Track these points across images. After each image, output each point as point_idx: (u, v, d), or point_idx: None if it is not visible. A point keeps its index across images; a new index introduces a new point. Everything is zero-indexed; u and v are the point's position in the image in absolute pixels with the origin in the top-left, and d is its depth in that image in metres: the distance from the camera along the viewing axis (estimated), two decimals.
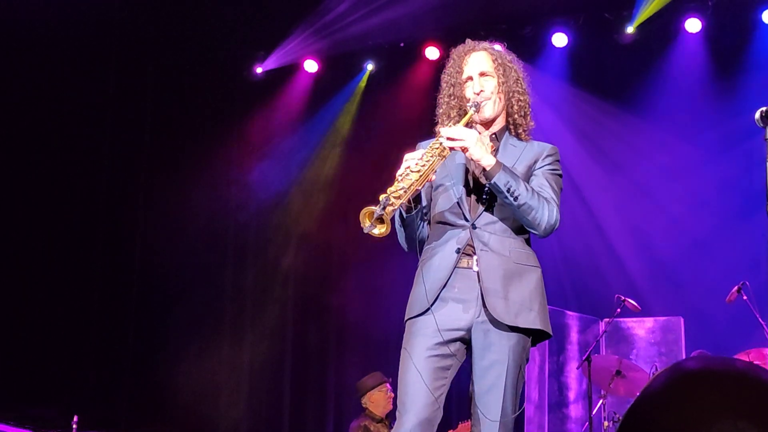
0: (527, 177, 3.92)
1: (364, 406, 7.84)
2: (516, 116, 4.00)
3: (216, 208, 10.33)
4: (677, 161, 9.39)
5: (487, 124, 4.01)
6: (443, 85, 4.08)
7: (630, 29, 9.39)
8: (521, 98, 4.01)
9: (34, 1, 9.03)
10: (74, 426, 7.31)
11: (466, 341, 3.86)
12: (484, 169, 3.74)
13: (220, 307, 10.30)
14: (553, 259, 9.47)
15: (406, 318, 3.93)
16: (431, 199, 4.02)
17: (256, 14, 10.02)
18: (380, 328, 9.62)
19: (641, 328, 8.94)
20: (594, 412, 7.62)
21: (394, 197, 3.51)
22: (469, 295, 3.82)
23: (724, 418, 1.67)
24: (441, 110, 4.06)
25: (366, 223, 3.50)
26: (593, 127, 9.73)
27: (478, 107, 3.90)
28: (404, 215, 3.83)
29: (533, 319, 3.83)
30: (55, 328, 9.41)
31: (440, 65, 4.20)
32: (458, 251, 3.83)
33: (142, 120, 10.47)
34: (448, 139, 3.70)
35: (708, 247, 9.09)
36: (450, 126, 3.84)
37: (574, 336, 9.01)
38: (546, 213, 3.80)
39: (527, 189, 3.76)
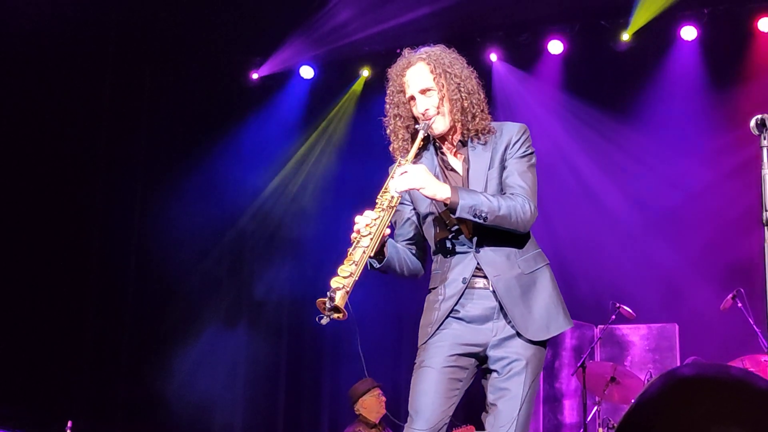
0: (503, 166, 3.87)
1: (357, 412, 7.83)
2: (469, 118, 3.89)
3: (211, 212, 10.33)
4: (672, 168, 9.40)
5: (445, 135, 3.93)
6: (387, 106, 4.01)
7: (625, 36, 9.41)
8: (468, 100, 3.89)
9: (31, 6, 9.02)
10: (68, 431, 7.30)
11: (480, 358, 3.86)
12: (444, 204, 3.71)
13: (215, 313, 10.29)
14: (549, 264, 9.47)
15: (419, 343, 3.92)
16: (421, 228, 4.00)
17: (253, 20, 10.02)
18: (376, 334, 9.62)
19: (636, 334, 8.94)
20: (588, 419, 7.63)
21: (344, 277, 3.53)
22: (484, 313, 3.82)
23: (718, 424, 1.67)
24: (389, 130, 3.99)
25: (324, 312, 3.53)
26: (588, 133, 9.74)
27: (428, 127, 3.84)
28: (376, 267, 3.84)
29: (562, 322, 3.90)
30: (49, 333, 9.39)
31: None
32: (464, 281, 3.82)
33: (139, 125, 10.48)
34: (398, 192, 3.69)
35: (703, 254, 9.10)
36: (401, 163, 3.78)
37: (568, 342, 9.01)
38: (519, 213, 3.74)
39: (491, 201, 3.70)
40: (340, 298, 3.49)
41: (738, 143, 8.59)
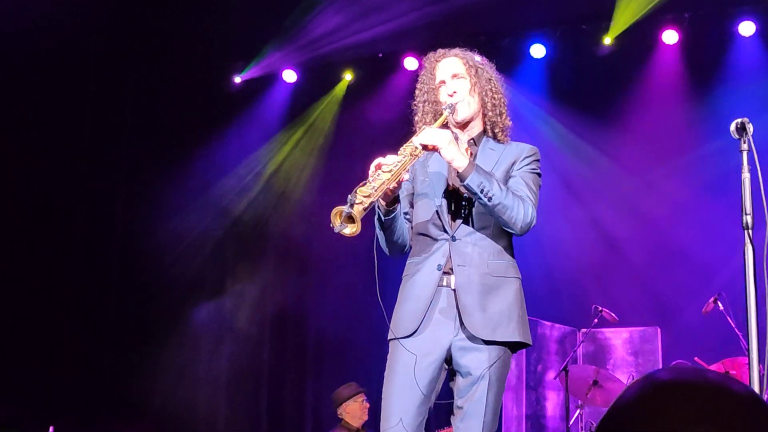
0: (506, 179, 3.91)
1: (340, 416, 7.83)
2: (491, 114, 4.01)
3: (194, 215, 10.31)
4: (654, 171, 9.44)
5: (464, 126, 4.01)
6: (417, 92, 4.11)
7: (607, 41, 9.45)
8: (495, 96, 4.02)
9: (13, 10, 8.99)
10: None
11: (448, 360, 3.87)
12: (457, 171, 3.74)
13: (198, 316, 10.28)
14: (531, 269, 9.48)
15: (391, 337, 3.93)
16: (413, 207, 4.03)
17: (236, 25, 10.02)
18: (358, 337, 9.62)
19: (618, 338, 8.96)
20: (571, 423, 7.64)
21: (363, 196, 3.51)
22: (449, 315, 3.83)
23: (695, 428, 1.68)
24: (417, 117, 4.07)
25: (336, 223, 3.50)
26: (571, 137, 9.77)
27: (453, 109, 3.91)
28: (382, 218, 3.82)
29: (512, 332, 3.84)
30: (30, 336, 9.34)
31: (419, 75, 4.21)
32: (439, 267, 3.84)
33: (121, 129, 10.46)
34: (421, 144, 3.71)
35: (685, 257, 9.13)
36: (424, 128, 3.84)
37: (551, 346, 9.02)
38: (521, 212, 3.78)
39: (501, 188, 3.74)
40: (357, 211, 3.47)
41: (719, 146, 8.62)
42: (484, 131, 4.04)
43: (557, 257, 9.56)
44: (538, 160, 4.03)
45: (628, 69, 9.59)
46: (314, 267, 10.26)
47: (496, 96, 4.03)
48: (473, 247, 3.85)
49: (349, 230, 3.50)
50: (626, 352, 8.91)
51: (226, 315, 10.34)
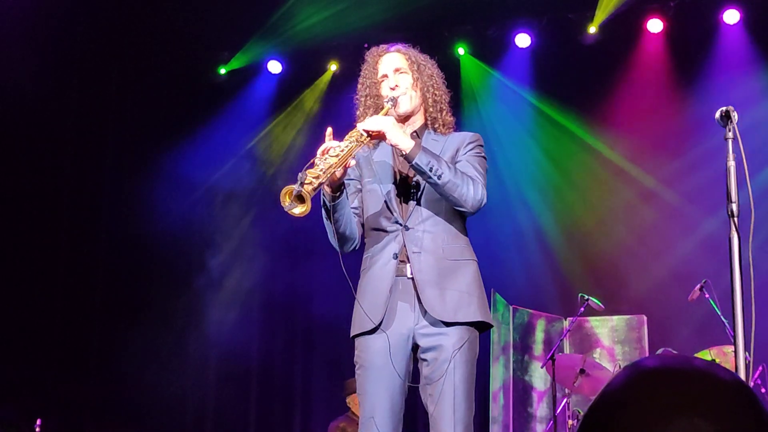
0: (453, 162, 3.92)
1: (348, 405, 7.86)
2: (432, 110, 4.04)
3: (180, 209, 10.28)
4: (639, 159, 9.46)
5: (406, 120, 4.02)
6: (359, 86, 4.14)
7: (592, 29, 9.45)
8: (436, 93, 4.05)
9: None
10: (37, 429, 7.26)
11: (414, 349, 3.88)
12: (403, 154, 3.75)
13: (185, 310, 10.26)
14: (517, 258, 9.52)
15: (353, 334, 3.96)
16: (362, 203, 4.04)
17: (220, 15, 9.99)
18: (347, 329, 9.62)
19: (605, 326, 8.99)
20: (558, 411, 7.66)
21: (312, 177, 3.51)
22: (409, 302, 3.84)
23: (681, 415, 1.68)
24: (359, 111, 4.09)
25: (286, 202, 3.50)
26: (555, 127, 9.78)
27: (394, 102, 3.93)
28: (328, 204, 3.79)
29: (474, 312, 3.84)
30: (16, 329, 9.30)
31: None
32: (395, 256, 3.85)
33: (106, 122, 10.42)
34: (365, 131, 3.73)
35: (671, 245, 9.16)
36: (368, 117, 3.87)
37: (538, 335, 9.05)
38: (471, 189, 3.79)
39: (450, 167, 3.76)
40: (307, 191, 3.47)
41: (704, 134, 8.64)
42: (426, 125, 4.06)
43: (541, 247, 9.58)
44: (482, 145, 4.05)
45: (614, 58, 9.60)
46: (302, 261, 10.24)
47: (437, 92, 4.05)
48: (426, 234, 3.87)
49: (299, 210, 3.51)
50: (613, 341, 8.94)
51: (214, 308, 10.31)
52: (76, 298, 10.01)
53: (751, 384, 3.62)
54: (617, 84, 9.54)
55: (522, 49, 9.82)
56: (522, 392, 8.90)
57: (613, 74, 9.56)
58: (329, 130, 3.74)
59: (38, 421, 7.36)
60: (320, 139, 3.64)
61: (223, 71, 10.67)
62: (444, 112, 4.05)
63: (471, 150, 3.99)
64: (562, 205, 9.73)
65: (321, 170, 3.56)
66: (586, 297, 7.76)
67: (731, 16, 9.13)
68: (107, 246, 10.29)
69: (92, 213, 10.25)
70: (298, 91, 10.57)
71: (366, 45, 10.04)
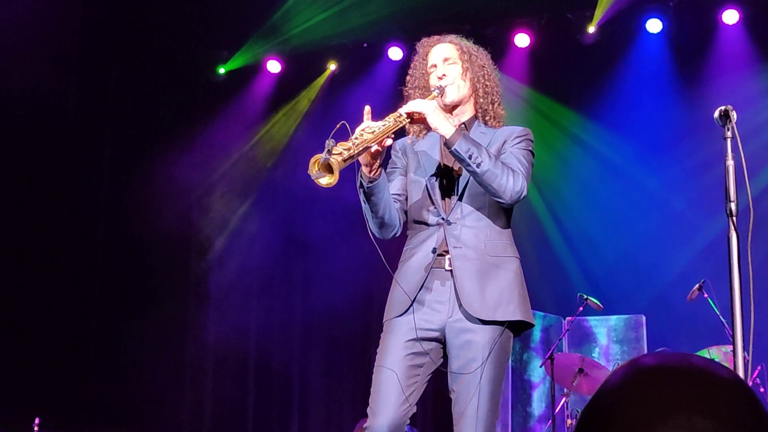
0: (499, 154, 3.86)
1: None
2: (482, 101, 3.98)
3: (179, 208, 10.28)
4: (639, 159, 9.47)
5: (453, 110, 3.97)
6: (409, 77, 4.08)
7: (591, 29, 9.45)
8: (487, 83, 3.99)
9: None
10: (36, 428, 7.25)
11: (442, 342, 3.83)
12: (444, 140, 3.70)
13: (183, 308, 10.26)
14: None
15: (384, 320, 3.90)
16: (407, 193, 3.99)
17: (219, 15, 9.99)
18: (346, 325, 9.62)
19: (604, 326, 8.99)
20: (557, 410, 7.66)
21: (344, 148, 3.45)
22: (443, 296, 3.79)
23: (679, 413, 1.68)
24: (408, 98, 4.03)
25: (314, 171, 3.43)
26: (553, 126, 9.78)
27: (441, 91, 3.88)
28: (365, 185, 3.73)
29: (513, 311, 3.78)
30: (14, 328, 9.29)
31: (403, 65, 4.22)
32: (434, 251, 3.80)
33: (104, 122, 10.40)
34: (406, 113, 3.69)
35: (670, 245, 9.17)
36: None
37: (537, 335, 9.05)
38: (510, 180, 3.71)
39: (490, 157, 3.69)
40: (336, 161, 3.39)
41: (703, 134, 8.65)
42: (476, 117, 4.01)
43: (541, 246, 9.58)
44: (531, 140, 3.98)
45: (613, 58, 9.60)
46: (300, 258, 10.24)
47: (488, 83, 3.99)
48: (468, 229, 3.81)
49: (326, 180, 3.42)
50: (611, 340, 8.94)
51: (212, 307, 10.32)
52: (74, 298, 9.99)
53: (750, 383, 3.62)
54: (616, 84, 9.54)
55: (521, 48, 9.81)
56: (521, 391, 8.90)
57: (612, 74, 9.57)
58: (367, 108, 3.69)
59: (36, 420, 7.34)
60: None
61: (222, 71, 10.67)
62: (495, 104, 4.00)
63: (518, 143, 3.91)
64: (560, 203, 9.73)
65: (353, 143, 3.49)
66: (585, 296, 7.76)
67: (730, 16, 9.13)
68: (106, 245, 10.28)
69: (91, 213, 10.23)
70: (297, 90, 10.57)
71: (365, 45, 10.17)
